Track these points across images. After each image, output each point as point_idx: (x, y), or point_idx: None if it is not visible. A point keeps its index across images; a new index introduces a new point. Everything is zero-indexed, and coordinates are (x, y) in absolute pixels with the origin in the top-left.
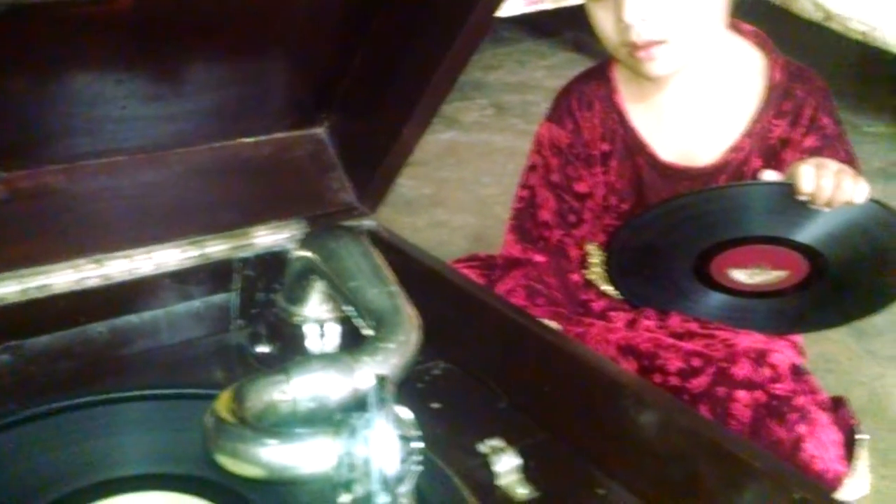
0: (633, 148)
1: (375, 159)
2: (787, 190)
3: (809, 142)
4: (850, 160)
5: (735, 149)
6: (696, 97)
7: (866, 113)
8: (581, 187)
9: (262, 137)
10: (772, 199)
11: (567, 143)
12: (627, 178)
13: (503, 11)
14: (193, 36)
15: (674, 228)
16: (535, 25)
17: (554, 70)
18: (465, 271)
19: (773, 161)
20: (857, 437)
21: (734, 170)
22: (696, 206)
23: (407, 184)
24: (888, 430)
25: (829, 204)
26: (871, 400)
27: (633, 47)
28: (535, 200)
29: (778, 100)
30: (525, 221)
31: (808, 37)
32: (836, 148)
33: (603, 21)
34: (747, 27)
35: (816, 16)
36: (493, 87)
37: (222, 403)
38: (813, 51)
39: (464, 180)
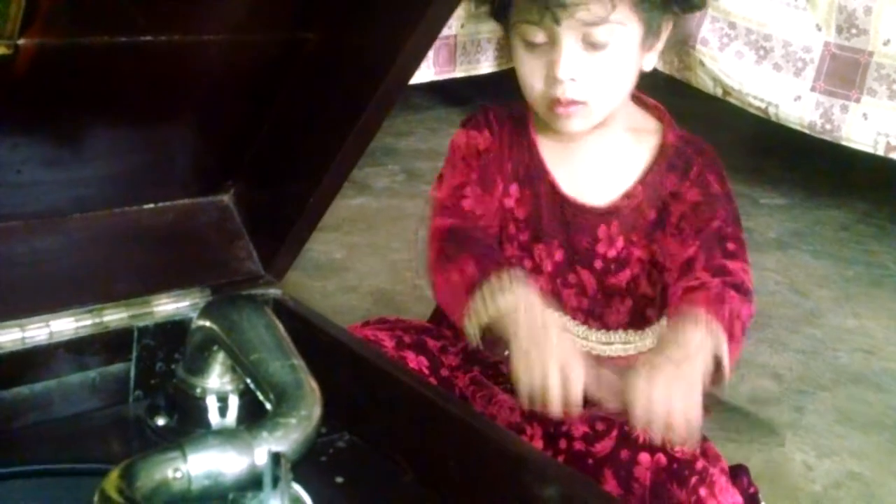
0: (536, 175)
1: (282, 228)
2: None
3: (692, 195)
4: (728, 220)
5: (628, 195)
6: (600, 142)
7: (762, 185)
8: (497, 192)
9: (166, 204)
10: None
11: (485, 147)
12: (527, 206)
13: (414, 78)
14: (96, 100)
15: None
16: (447, 93)
17: None
18: (379, 334)
19: (665, 213)
20: None
21: (627, 215)
22: None
23: (317, 248)
24: (785, 497)
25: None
26: (769, 467)
27: (556, 103)
28: (461, 191)
29: (671, 157)
30: (450, 205)
31: (707, 110)
32: (715, 206)
33: (531, 71)
34: (650, 101)
35: (716, 91)
36: (404, 154)
37: (111, 482)
38: (712, 124)
39: (374, 245)
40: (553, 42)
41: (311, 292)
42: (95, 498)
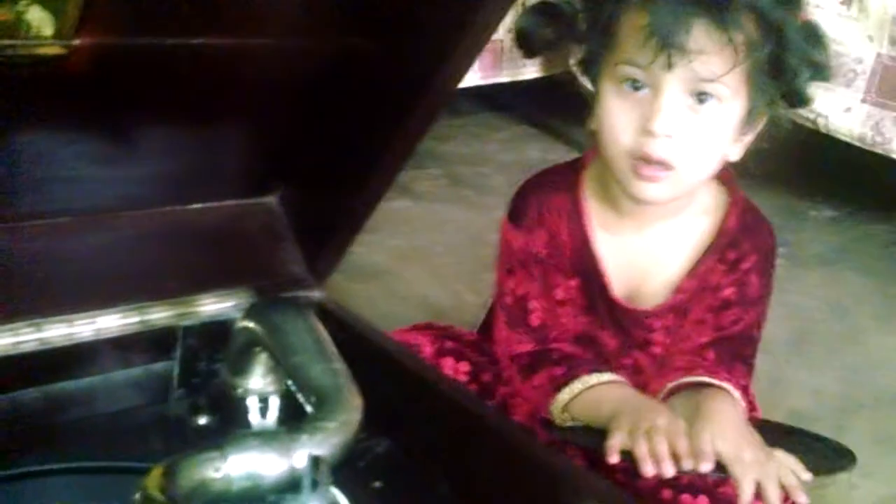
0: (591, 273)
1: (327, 231)
2: None
3: (729, 292)
4: (753, 325)
5: (679, 290)
6: (657, 235)
7: (811, 198)
8: (559, 294)
9: (213, 204)
10: None
11: (545, 253)
12: (585, 298)
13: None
14: (148, 100)
15: None
16: (490, 98)
17: (507, 143)
18: (419, 337)
19: (700, 300)
20: None
21: (676, 312)
22: None
23: (358, 251)
24: None
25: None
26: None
27: (643, 161)
28: (527, 306)
29: (724, 247)
30: (521, 325)
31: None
32: (747, 309)
33: (619, 121)
34: (725, 174)
35: None
36: (446, 158)
37: (153, 480)
38: (760, 135)
39: (416, 249)
40: (655, 91)
41: (353, 296)
42: (137, 496)
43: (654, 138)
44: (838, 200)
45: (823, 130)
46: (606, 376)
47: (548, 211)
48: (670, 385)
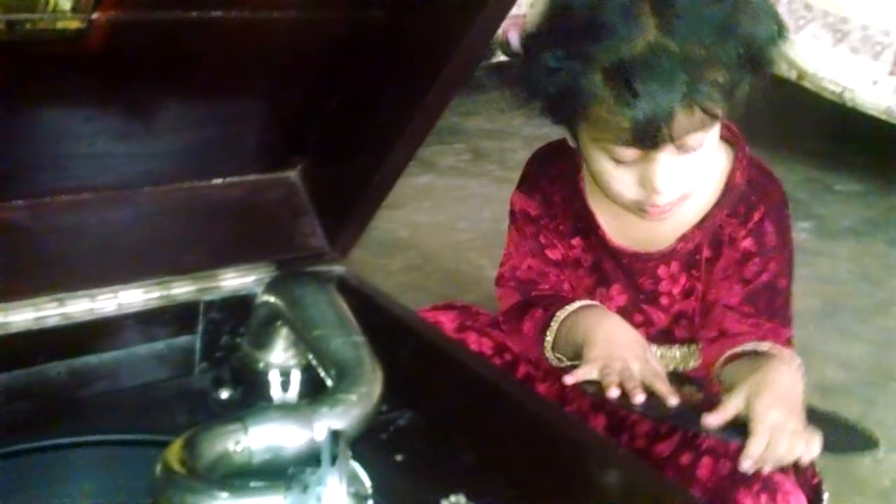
0: (589, 228)
1: (348, 205)
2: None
3: (746, 244)
4: (778, 274)
5: (685, 238)
6: None
7: (838, 172)
8: (554, 254)
9: (234, 179)
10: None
11: (536, 213)
12: (591, 253)
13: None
14: (167, 76)
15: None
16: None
17: (532, 118)
18: (440, 316)
19: (717, 253)
20: (824, 496)
21: (684, 256)
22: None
23: (381, 226)
24: (853, 491)
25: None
26: (836, 460)
27: (652, 207)
28: (518, 263)
29: (733, 201)
30: (511, 280)
31: (781, 94)
32: (768, 258)
33: (620, 181)
34: (729, 128)
35: (790, 74)
36: (471, 133)
37: (173, 453)
38: (786, 109)
39: (439, 224)
40: (647, 157)
41: (374, 271)
42: (157, 468)
43: (659, 194)
44: (865, 173)
45: (850, 104)
46: (578, 304)
47: (544, 176)
48: (728, 353)
